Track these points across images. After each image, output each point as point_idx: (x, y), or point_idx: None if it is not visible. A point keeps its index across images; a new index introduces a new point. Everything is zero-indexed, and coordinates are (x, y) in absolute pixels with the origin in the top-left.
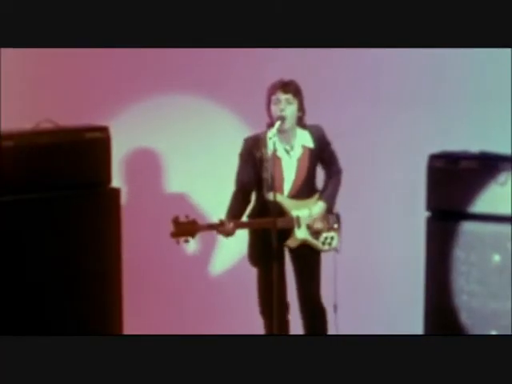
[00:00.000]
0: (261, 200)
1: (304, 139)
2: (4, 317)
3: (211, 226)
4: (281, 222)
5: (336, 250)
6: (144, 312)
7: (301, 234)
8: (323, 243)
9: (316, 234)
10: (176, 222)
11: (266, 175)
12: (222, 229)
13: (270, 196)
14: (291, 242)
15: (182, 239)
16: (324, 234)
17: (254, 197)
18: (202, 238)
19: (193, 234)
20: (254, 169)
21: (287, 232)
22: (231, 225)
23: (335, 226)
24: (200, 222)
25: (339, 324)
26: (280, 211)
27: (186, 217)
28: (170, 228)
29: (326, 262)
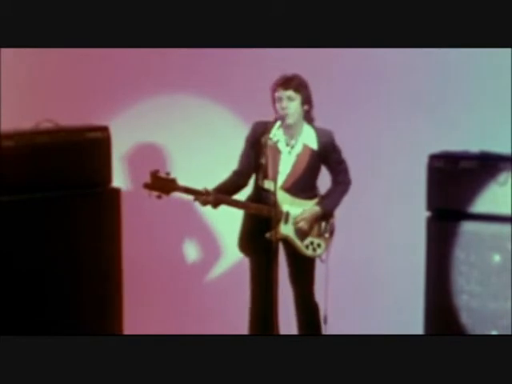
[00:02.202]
0: (256, 187)
1: (308, 138)
2: (4, 317)
3: (189, 190)
4: (268, 211)
5: (320, 258)
6: (144, 312)
7: (285, 229)
8: (307, 247)
9: (300, 234)
10: (154, 175)
11: (263, 162)
12: (200, 197)
13: (264, 184)
14: (274, 235)
15: (154, 193)
16: (310, 238)
17: (252, 182)
18: (202, 237)
19: (168, 192)
20: (256, 154)
21: (274, 223)
22: (211, 197)
23: (326, 235)
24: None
25: (329, 332)
26: (272, 201)
27: (167, 173)
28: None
29: (331, 264)
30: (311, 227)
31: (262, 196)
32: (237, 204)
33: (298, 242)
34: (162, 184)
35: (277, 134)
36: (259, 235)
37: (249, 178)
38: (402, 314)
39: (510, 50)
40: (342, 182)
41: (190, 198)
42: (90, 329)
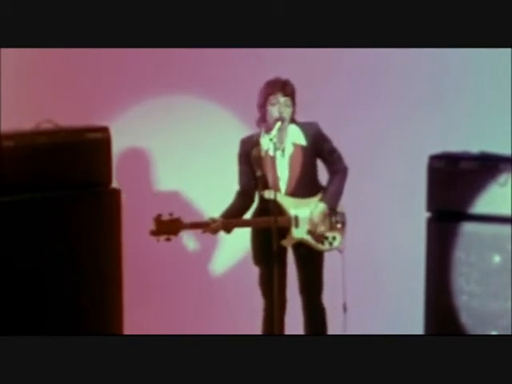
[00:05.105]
0: (261, 199)
1: (295, 136)
2: (4, 317)
3: (195, 225)
4: (272, 222)
5: (339, 250)
6: (144, 312)
7: (298, 233)
8: (323, 243)
9: (319, 237)
10: (157, 220)
11: (259, 174)
12: (207, 228)
13: (266, 194)
14: (287, 242)
15: (162, 237)
16: (325, 236)
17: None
18: (202, 237)
19: (175, 233)
20: (251, 169)
21: (285, 231)
22: (219, 224)
23: (338, 225)
24: (185, 220)
25: (347, 324)
26: (278, 210)
27: (170, 214)
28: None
29: (330, 263)
30: (325, 225)
31: (266, 207)
32: (245, 223)
33: (313, 242)
34: (168, 227)
35: (265, 141)
36: (268, 244)
37: (254, 194)
38: (402, 314)
39: (509, 49)
40: (338, 170)
41: (191, 198)
42: (90, 329)
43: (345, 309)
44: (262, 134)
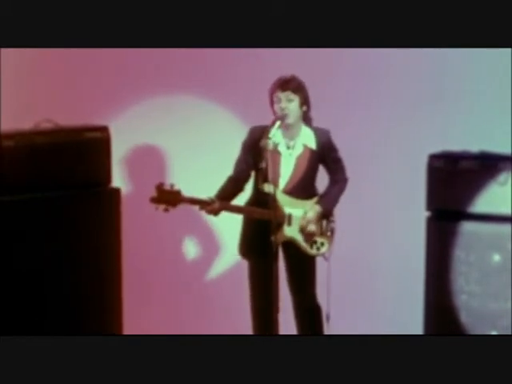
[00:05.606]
0: (256, 191)
1: (307, 139)
2: (4, 317)
3: (195, 201)
4: (270, 215)
5: (324, 256)
6: (144, 312)
7: (290, 231)
8: (311, 246)
9: (308, 236)
10: (160, 188)
11: (263, 166)
12: (205, 207)
13: (264, 187)
14: (278, 238)
15: (161, 207)
16: (314, 238)
17: (251, 187)
18: (202, 237)
19: (174, 204)
20: (254, 159)
21: (277, 227)
22: (217, 205)
23: (328, 233)
24: (185, 194)
25: (331, 330)
26: (273, 204)
27: (171, 186)
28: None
29: (326, 266)
30: (317, 227)
31: (262, 200)
32: (241, 210)
33: (302, 243)
34: (168, 197)
35: (276, 136)
36: (260, 239)
37: (245, 183)
38: (402, 314)
39: (509, 49)
40: (339, 180)
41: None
42: (89, 329)
43: (327, 319)
44: (275, 127)
